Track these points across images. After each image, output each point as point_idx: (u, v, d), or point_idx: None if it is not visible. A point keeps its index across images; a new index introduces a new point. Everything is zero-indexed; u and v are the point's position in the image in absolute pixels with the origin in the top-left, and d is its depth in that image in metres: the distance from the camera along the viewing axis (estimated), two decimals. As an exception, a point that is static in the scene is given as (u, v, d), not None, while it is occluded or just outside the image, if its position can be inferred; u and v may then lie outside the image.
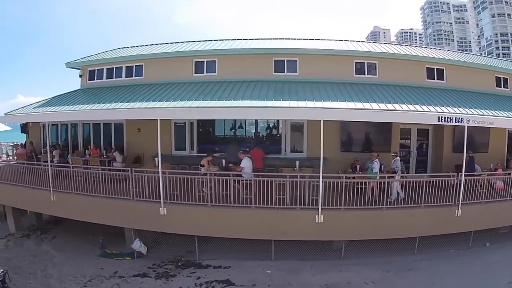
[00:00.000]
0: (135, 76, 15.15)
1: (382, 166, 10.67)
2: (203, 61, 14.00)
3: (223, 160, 10.20)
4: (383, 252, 9.29)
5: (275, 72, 13.52)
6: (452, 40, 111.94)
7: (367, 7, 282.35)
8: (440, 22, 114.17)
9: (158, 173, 8.94)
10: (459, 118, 9.43)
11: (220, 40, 15.60)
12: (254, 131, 14.33)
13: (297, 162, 9.91)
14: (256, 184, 8.63)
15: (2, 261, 10.12)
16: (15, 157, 15.79)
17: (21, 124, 16.17)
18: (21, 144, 17.73)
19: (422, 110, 11.89)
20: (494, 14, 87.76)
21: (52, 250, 10.84)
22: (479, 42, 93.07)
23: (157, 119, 8.90)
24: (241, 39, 15.40)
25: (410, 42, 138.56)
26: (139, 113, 9.82)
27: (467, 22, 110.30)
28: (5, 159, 17.06)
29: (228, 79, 13.35)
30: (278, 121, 13.62)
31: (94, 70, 16.15)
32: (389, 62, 14.40)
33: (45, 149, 13.99)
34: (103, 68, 15.92)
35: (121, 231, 10.47)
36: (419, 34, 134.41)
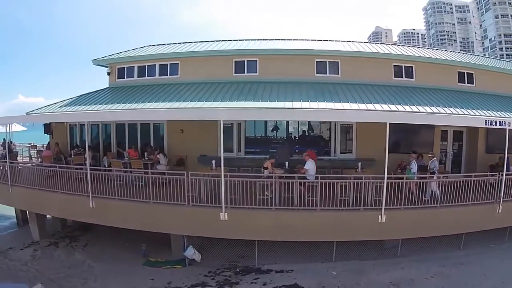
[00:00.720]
0: (170, 74, 14.95)
1: (428, 167, 11.02)
2: (244, 61, 14.05)
3: (287, 163, 10.25)
4: (433, 249, 9.69)
5: (317, 73, 13.75)
6: (455, 40, 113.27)
7: (367, 7, 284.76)
8: (443, 22, 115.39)
9: (216, 177, 8.87)
10: (502, 121, 9.81)
11: (260, 39, 15.70)
12: (290, 132, 14.57)
13: (359, 164, 10.14)
14: (319, 186, 8.78)
15: (32, 274, 9.47)
16: (40, 160, 14.77)
17: (44, 124, 15.50)
18: (46, 145, 17.13)
19: (468, 113, 12.36)
20: (498, 15, 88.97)
21: (88, 260, 10.21)
22: (483, 43, 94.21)
23: (209, 120, 9.02)
24: (279, 39, 15.55)
25: (413, 42, 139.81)
26: (200, 113, 9.78)
27: (470, 22, 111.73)
28: (24, 161, 16.28)
29: (270, 80, 13.47)
30: (309, 122, 13.92)
31: (124, 67, 15.78)
32: (425, 65, 14.74)
33: (74, 150, 13.79)
34: (133, 66, 15.56)
35: (163, 237, 10.02)
36: (422, 35, 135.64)
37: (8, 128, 16.37)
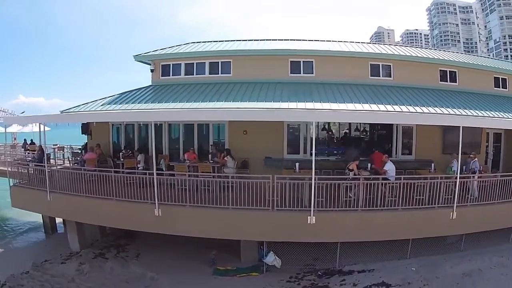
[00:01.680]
0: (221, 73, 14.77)
1: (481, 167, 11.78)
2: (300, 61, 14.34)
3: (369, 164, 10.64)
4: (488, 242, 10.44)
5: (371, 76, 14.38)
6: (458, 41, 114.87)
7: (370, 7, 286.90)
8: (447, 23, 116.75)
9: (299, 180, 9.03)
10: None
11: (316, 40, 16.15)
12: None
13: (432, 165, 10.84)
14: (400, 186, 9.22)
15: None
16: (77, 163, 14.05)
17: (82, 124, 14.62)
18: (83, 146, 15.97)
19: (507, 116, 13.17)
20: (503, 16, 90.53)
21: (149, 272, 9.48)
22: (487, 43, 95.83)
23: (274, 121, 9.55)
24: (334, 41, 16.04)
25: (416, 42, 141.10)
26: (291, 114, 10.03)
27: (473, 23, 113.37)
28: (53, 164, 14.83)
29: (326, 81, 13.96)
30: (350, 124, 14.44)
31: (169, 65, 15.30)
32: (467, 71, 15.42)
33: (122, 152, 13.11)
34: (180, 63, 15.16)
35: (226, 243, 9.82)
36: (425, 35, 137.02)
37: (39, 127, 14.38)
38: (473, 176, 10.53)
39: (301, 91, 13.28)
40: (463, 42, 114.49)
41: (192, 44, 17.29)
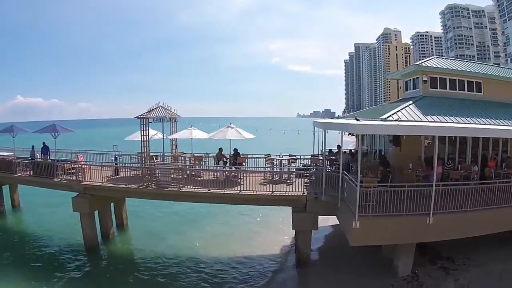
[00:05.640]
0: (475, 91, 17.78)
1: None
2: None
3: None
4: None
5: None
6: (472, 44, 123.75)
7: (374, 7, 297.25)
8: (461, 27, 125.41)
9: None
10: None
11: None
12: None
13: None
14: None
15: None
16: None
17: (393, 136, 14.95)
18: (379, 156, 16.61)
19: None
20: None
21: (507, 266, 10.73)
22: (505, 49, 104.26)
23: None
24: None
25: (426, 45, 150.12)
26: None
27: (485, 27, 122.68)
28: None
29: None
30: None
31: (436, 78, 17.64)
32: None
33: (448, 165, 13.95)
34: (445, 78, 17.66)
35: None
36: (435, 37, 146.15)
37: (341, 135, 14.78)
38: None
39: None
40: (476, 46, 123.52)
41: (444, 59, 20.21)
